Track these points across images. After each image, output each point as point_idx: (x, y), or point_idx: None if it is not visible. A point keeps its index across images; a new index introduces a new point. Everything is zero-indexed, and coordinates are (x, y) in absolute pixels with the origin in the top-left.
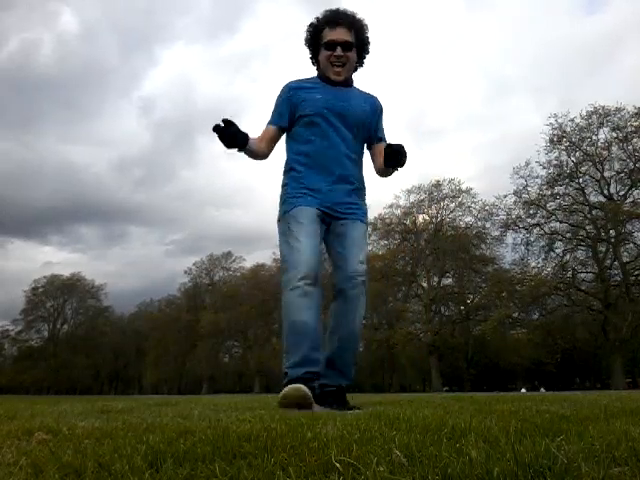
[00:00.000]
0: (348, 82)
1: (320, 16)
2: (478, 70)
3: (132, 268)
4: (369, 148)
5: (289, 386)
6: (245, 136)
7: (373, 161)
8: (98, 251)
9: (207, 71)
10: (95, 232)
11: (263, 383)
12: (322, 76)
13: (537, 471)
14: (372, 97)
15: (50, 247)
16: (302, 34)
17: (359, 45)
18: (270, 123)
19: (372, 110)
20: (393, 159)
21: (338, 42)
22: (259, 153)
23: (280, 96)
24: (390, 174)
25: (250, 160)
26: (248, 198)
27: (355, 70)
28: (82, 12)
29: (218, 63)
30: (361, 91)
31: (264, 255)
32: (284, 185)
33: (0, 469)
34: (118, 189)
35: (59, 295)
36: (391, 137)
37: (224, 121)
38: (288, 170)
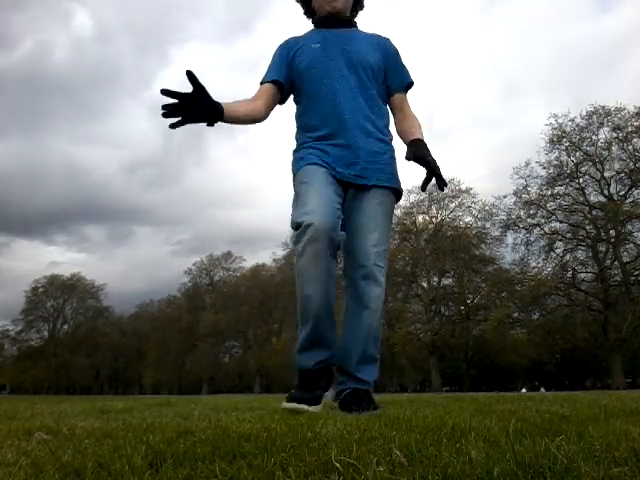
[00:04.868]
0: (351, 22)
1: None
2: (490, 70)
3: (138, 268)
4: (387, 101)
5: (289, 405)
6: (215, 106)
7: (394, 115)
8: (104, 251)
9: (219, 72)
10: (101, 232)
11: (263, 383)
12: (319, 22)
13: (537, 471)
14: (382, 38)
15: (56, 247)
16: None
17: None
18: (262, 81)
19: (383, 54)
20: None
21: None
22: (247, 116)
23: (275, 52)
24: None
25: (256, 158)
26: (254, 198)
27: (356, 12)
28: (96, 12)
29: (230, 64)
30: (367, 33)
31: (270, 255)
32: (293, 151)
33: (0, 469)
34: (127, 190)
35: (59, 295)
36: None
37: (191, 78)
38: (296, 137)
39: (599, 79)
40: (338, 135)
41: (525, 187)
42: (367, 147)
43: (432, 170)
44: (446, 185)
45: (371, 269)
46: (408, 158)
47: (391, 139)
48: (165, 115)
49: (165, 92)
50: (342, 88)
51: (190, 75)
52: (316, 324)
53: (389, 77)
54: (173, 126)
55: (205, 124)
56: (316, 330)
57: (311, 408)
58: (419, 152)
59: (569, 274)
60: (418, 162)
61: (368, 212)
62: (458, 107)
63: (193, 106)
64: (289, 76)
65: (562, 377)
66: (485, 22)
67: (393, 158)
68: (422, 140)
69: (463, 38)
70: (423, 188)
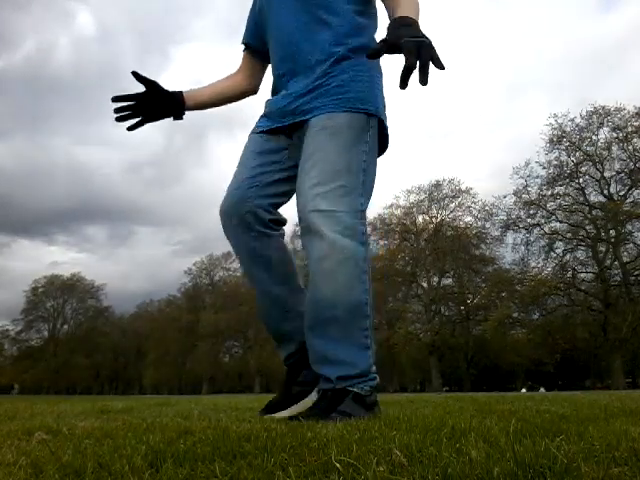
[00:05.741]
0: None
1: None
2: (492, 70)
3: (138, 268)
4: None
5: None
6: (173, 99)
7: (387, 10)
8: (105, 251)
9: (220, 72)
10: (102, 232)
11: (263, 383)
12: None
13: (537, 471)
14: None
15: (56, 247)
16: None
17: None
18: (243, 50)
19: None
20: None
21: None
22: (222, 95)
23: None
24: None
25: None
26: None
27: None
28: (98, 13)
29: (232, 64)
30: None
31: None
32: None
33: (0, 469)
34: (127, 190)
35: (59, 295)
36: (403, 139)
37: (141, 79)
38: None
39: (602, 79)
40: (285, 76)
41: (525, 187)
42: (310, 71)
43: (409, 54)
44: (443, 68)
45: (309, 219)
46: (371, 55)
47: (355, 49)
48: (120, 119)
49: (115, 99)
50: (288, 15)
51: (136, 75)
52: (261, 315)
53: None
54: (131, 128)
55: (171, 119)
56: (265, 321)
57: (278, 414)
58: (391, 36)
59: (569, 274)
60: (392, 52)
61: (306, 148)
62: (459, 107)
63: (149, 104)
64: (256, 30)
65: (562, 377)
66: (486, 22)
67: (355, 69)
68: (405, 17)
69: (464, 38)
70: (402, 85)
